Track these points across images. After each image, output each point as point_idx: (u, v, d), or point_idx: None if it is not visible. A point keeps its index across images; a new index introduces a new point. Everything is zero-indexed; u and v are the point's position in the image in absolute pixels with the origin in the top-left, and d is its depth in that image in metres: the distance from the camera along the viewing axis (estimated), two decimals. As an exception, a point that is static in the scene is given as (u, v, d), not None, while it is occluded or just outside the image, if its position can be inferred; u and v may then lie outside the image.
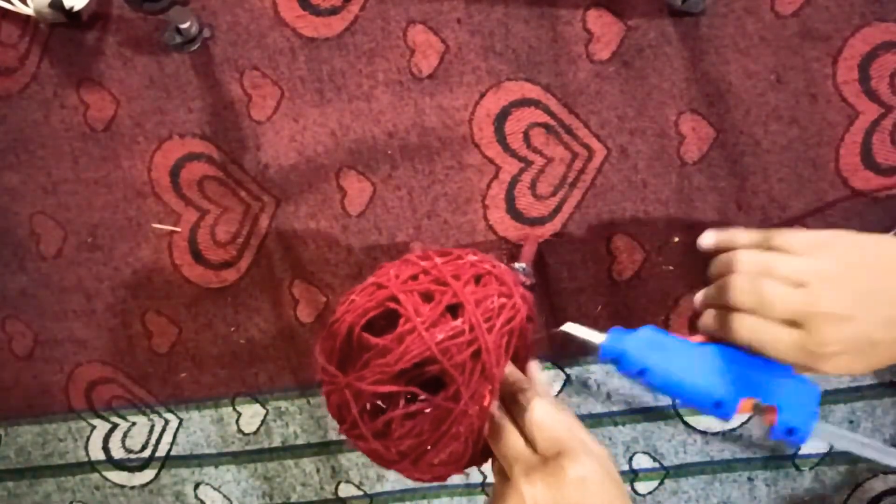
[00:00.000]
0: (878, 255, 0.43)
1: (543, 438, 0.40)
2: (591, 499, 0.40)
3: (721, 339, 0.45)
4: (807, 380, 0.44)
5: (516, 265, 0.52)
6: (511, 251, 0.60)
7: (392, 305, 0.41)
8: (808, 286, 0.42)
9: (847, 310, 0.41)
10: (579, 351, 0.60)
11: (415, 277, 0.42)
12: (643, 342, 0.46)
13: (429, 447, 0.41)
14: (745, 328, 0.44)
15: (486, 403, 0.41)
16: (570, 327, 0.49)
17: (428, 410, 0.40)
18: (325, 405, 0.44)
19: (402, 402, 0.40)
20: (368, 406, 0.41)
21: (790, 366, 0.44)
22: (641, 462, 0.63)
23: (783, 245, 0.45)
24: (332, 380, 0.42)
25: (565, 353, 0.60)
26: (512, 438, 0.42)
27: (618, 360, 0.46)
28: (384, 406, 0.41)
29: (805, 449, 0.59)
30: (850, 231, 0.44)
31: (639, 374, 0.45)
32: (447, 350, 0.39)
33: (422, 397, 0.40)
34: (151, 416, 0.67)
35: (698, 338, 0.46)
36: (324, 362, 0.43)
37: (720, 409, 0.44)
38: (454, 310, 0.41)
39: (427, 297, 0.41)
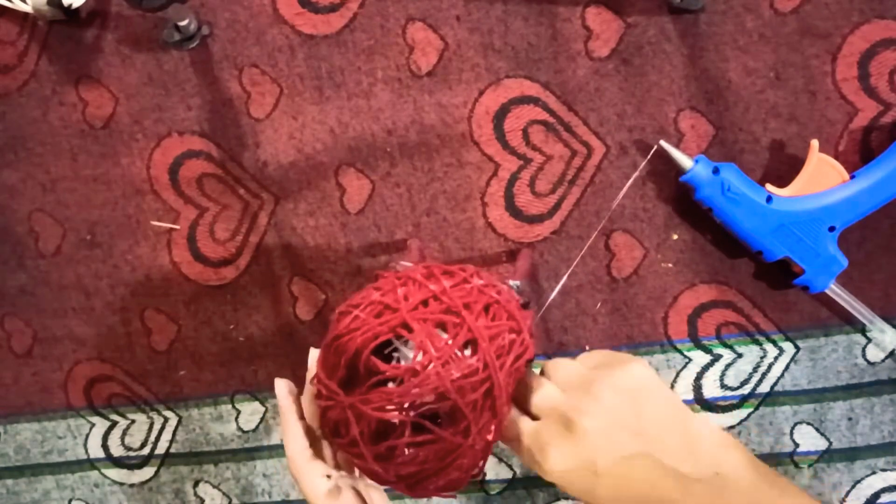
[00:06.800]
0: (645, 396, 0.41)
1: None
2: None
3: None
4: (835, 257, 0.54)
5: (511, 282, 0.52)
6: (506, 256, 0.60)
7: (404, 333, 0.40)
8: (568, 392, 0.41)
9: (590, 426, 0.39)
10: (570, 340, 0.60)
11: (425, 303, 0.42)
12: (718, 187, 0.53)
13: (430, 475, 0.41)
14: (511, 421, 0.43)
15: (490, 438, 0.41)
16: (665, 145, 0.55)
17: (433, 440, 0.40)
18: (321, 417, 0.44)
19: (408, 431, 0.40)
20: (370, 426, 0.41)
21: (827, 243, 0.53)
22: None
23: (582, 357, 0.44)
24: (333, 397, 0.42)
25: (563, 351, 0.60)
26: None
27: (694, 189, 0.54)
28: (384, 429, 0.41)
29: (804, 447, 0.59)
30: (644, 364, 0.42)
31: (707, 209, 0.54)
32: (461, 388, 0.39)
33: (430, 430, 0.40)
34: (150, 414, 0.67)
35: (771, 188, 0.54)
36: (325, 378, 0.42)
37: (762, 256, 0.55)
38: (466, 342, 0.41)
39: (439, 326, 0.41)
